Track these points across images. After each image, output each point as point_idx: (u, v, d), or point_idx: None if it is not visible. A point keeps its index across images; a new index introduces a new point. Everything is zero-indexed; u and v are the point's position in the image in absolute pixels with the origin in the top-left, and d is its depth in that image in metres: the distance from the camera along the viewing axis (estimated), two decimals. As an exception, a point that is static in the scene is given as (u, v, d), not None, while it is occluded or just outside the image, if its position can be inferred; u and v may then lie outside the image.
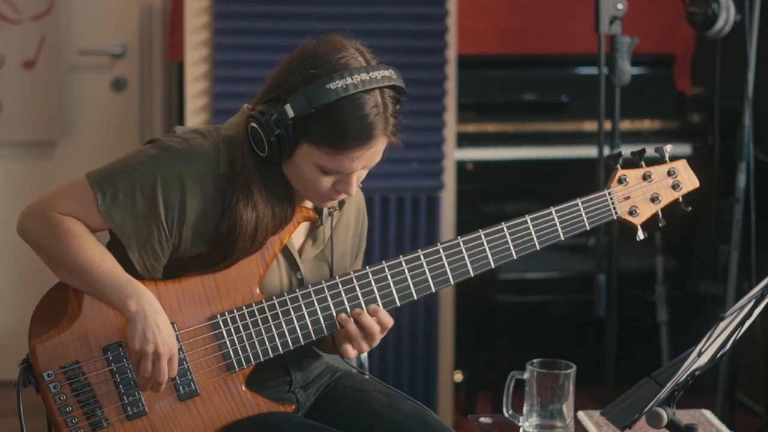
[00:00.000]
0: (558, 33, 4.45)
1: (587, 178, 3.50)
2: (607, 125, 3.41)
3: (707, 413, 2.38)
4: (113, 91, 4.33)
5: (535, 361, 2.16)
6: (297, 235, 2.20)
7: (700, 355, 1.90)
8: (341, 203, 2.25)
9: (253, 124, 2.05)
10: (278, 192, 2.11)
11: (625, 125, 4.22)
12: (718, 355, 2.03)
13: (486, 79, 4.32)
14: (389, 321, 2.15)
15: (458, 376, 4.14)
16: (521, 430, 2.17)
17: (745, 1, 3.43)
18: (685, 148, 4.26)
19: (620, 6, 3.28)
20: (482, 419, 2.31)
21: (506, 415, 2.20)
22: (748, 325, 2.03)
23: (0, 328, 4.28)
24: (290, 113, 2.01)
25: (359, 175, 2.09)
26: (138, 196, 2.08)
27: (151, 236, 2.09)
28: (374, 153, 2.06)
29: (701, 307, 3.89)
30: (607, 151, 3.39)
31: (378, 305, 2.14)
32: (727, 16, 3.41)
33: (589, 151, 4.10)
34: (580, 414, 2.34)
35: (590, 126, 4.23)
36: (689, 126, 4.36)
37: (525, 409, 2.17)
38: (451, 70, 3.88)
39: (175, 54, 4.09)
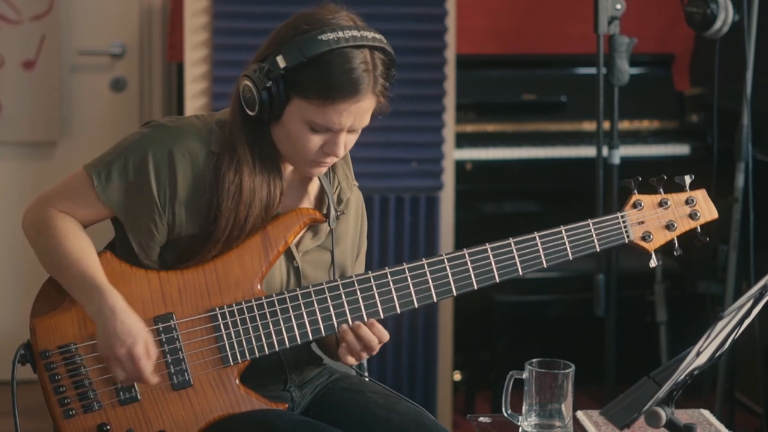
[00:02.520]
0: (557, 33, 4.45)
1: (586, 178, 3.50)
2: (606, 125, 3.41)
3: (706, 413, 2.38)
4: (113, 92, 4.33)
5: (534, 360, 2.15)
6: None
7: (698, 354, 1.90)
8: (344, 206, 2.25)
9: (246, 82, 2.08)
10: (265, 156, 2.11)
11: (624, 125, 4.23)
12: (717, 354, 2.03)
13: (485, 79, 4.32)
14: (385, 335, 2.15)
15: (457, 376, 4.14)
16: (520, 429, 2.17)
17: (744, 1, 3.44)
18: (684, 148, 4.26)
19: (619, 6, 3.28)
20: (481, 419, 2.31)
21: (505, 414, 2.20)
22: (747, 325, 2.03)
23: (0, 328, 4.29)
24: (282, 63, 2.04)
25: (347, 139, 2.09)
26: (130, 172, 2.10)
27: (144, 212, 2.10)
28: (362, 111, 2.07)
29: (700, 307, 3.89)
30: (606, 151, 3.39)
31: (379, 312, 2.14)
32: (725, 16, 3.42)
33: (587, 151, 4.11)
34: (579, 414, 2.34)
35: (589, 126, 4.24)
36: (688, 126, 4.36)
37: (524, 408, 2.17)
38: (450, 70, 3.88)
39: (175, 54, 4.10)
